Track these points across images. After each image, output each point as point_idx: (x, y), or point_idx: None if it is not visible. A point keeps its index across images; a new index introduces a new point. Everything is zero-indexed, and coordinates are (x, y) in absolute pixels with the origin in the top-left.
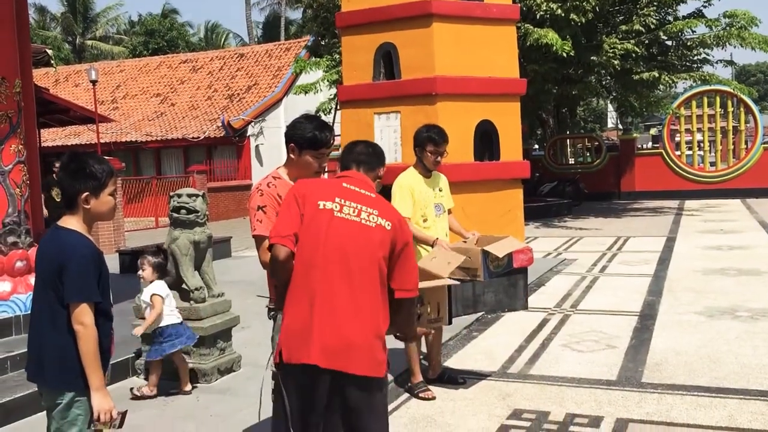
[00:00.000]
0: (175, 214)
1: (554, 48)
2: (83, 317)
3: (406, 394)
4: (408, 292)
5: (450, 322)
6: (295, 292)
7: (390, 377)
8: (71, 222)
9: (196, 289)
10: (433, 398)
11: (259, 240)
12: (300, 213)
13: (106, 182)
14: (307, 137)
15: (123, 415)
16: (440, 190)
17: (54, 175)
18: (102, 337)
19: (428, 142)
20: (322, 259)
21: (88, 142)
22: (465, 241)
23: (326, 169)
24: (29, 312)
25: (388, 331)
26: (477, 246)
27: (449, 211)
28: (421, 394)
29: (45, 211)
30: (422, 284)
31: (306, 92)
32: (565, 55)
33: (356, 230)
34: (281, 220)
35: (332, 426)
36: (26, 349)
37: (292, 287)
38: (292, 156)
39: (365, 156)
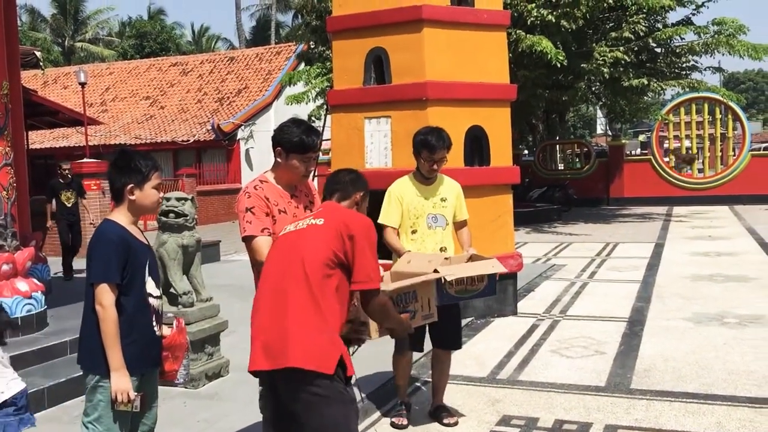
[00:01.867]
0: (163, 218)
1: (549, 57)
2: (102, 298)
3: (377, 413)
4: (359, 284)
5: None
6: (252, 307)
7: (359, 394)
8: (115, 213)
9: (184, 293)
10: (403, 426)
11: (249, 240)
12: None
13: (149, 176)
14: (294, 141)
15: (142, 397)
16: (443, 200)
17: (61, 178)
18: (142, 327)
19: (423, 148)
20: (267, 272)
21: (76, 145)
22: (447, 258)
23: (315, 173)
24: (15, 316)
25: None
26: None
27: (463, 223)
28: (393, 418)
29: (48, 220)
30: (413, 279)
31: (299, 102)
32: (558, 64)
33: (294, 237)
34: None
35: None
36: (16, 353)
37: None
38: (279, 160)
39: (341, 185)
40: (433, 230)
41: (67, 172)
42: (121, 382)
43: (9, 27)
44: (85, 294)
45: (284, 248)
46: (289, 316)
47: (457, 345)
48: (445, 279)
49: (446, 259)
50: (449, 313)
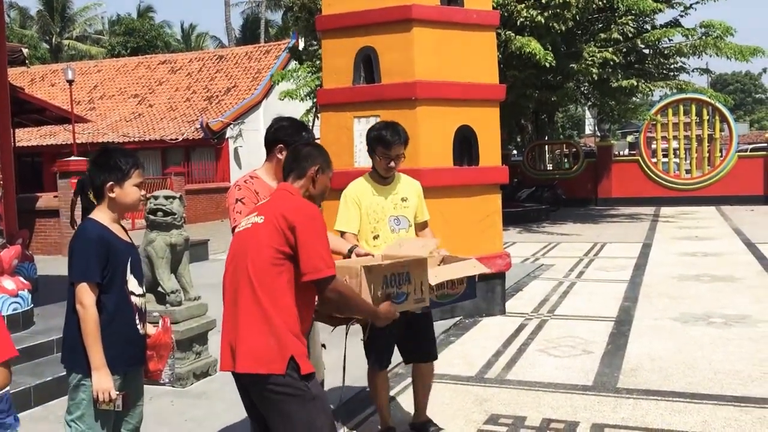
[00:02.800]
0: (151, 216)
1: (537, 58)
2: (82, 297)
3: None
4: (306, 275)
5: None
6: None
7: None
8: (96, 212)
9: (172, 292)
10: None
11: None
12: None
13: (130, 173)
14: (284, 137)
15: (124, 397)
16: (404, 200)
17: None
18: (123, 326)
19: (378, 144)
20: (224, 272)
21: (63, 143)
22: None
23: None
24: (1, 314)
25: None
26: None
27: (425, 224)
28: None
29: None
30: (405, 259)
31: (292, 97)
32: (547, 65)
33: (242, 236)
34: None
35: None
36: None
37: None
38: (279, 156)
39: (295, 163)
40: (396, 233)
41: None
42: (103, 382)
43: None
44: (67, 293)
45: (236, 248)
46: (238, 320)
47: (435, 355)
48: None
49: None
50: (422, 324)
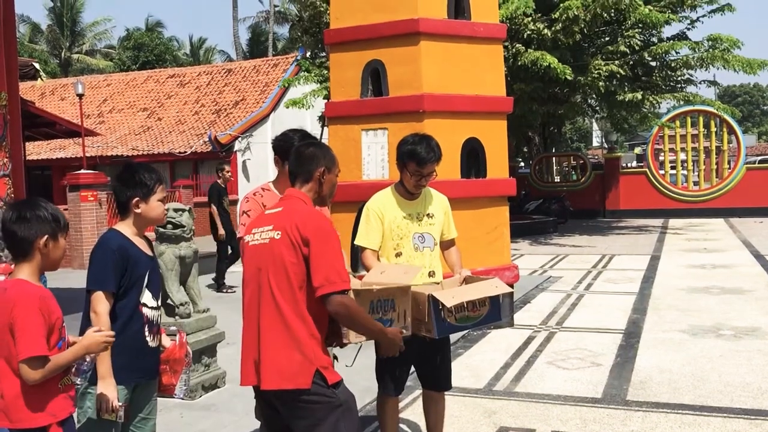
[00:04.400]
0: (160, 229)
1: (556, 72)
2: (96, 305)
3: None
4: (319, 288)
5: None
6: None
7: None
8: (121, 225)
9: (181, 304)
10: None
11: (240, 243)
12: None
13: (154, 189)
14: (287, 148)
15: (126, 408)
16: (430, 216)
17: (220, 180)
18: (133, 337)
19: (410, 159)
20: (244, 286)
21: (73, 156)
22: (438, 283)
23: None
24: None
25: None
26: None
27: (452, 242)
28: None
29: (220, 228)
30: (395, 282)
31: (299, 106)
32: (564, 79)
33: (259, 251)
34: None
35: None
36: None
37: None
38: (278, 168)
39: (292, 168)
40: (420, 252)
41: (229, 175)
42: (107, 391)
43: (8, 39)
44: (85, 300)
45: (254, 263)
46: (262, 336)
47: (449, 386)
48: (443, 306)
49: (437, 284)
50: (440, 350)
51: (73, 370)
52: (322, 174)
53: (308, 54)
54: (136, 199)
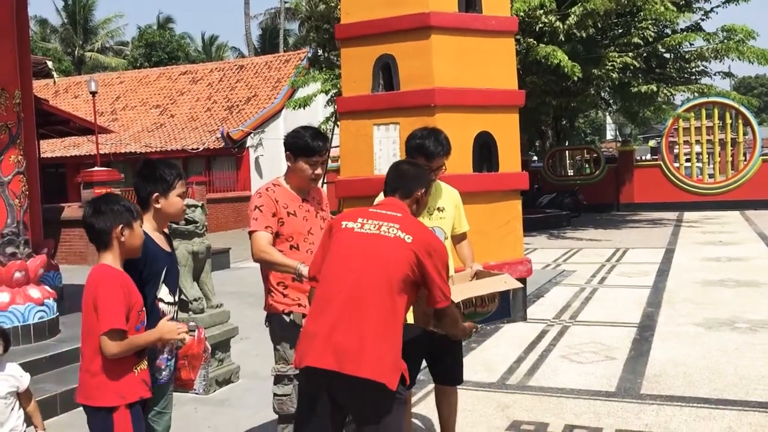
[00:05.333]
0: (174, 225)
1: (565, 70)
2: None
3: None
4: (438, 302)
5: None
6: (316, 301)
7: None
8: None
9: (195, 299)
10: None
11: (252, 236)
12: (326, 247)
13: (174, 184)
14: (300, 145)
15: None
16: (440, 210)
17: None
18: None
19: (419, 154)
20: (339, 269)
21: (87, 153)
22: (450, 276)
23: (324, 180)
24: (27, 323)
25: (435, 326)
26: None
27: (463, 236)
28: None
29: None
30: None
31: (304, 107)
32: (576, 78)
33: (373, 241)
34: (314, 258)
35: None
36: (29, 359)
37: (315, 297)
38: (288, 164)
39: (403, 182)
40: None
41: None
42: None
43: (21, 37)
44: None
45: (363, 250)
46: (367, 326)
47: (460, 380)
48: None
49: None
50: (452, 344)
51: (158, 360)
52: (421, 195)
53: (319, 52)
54: (156, 194)
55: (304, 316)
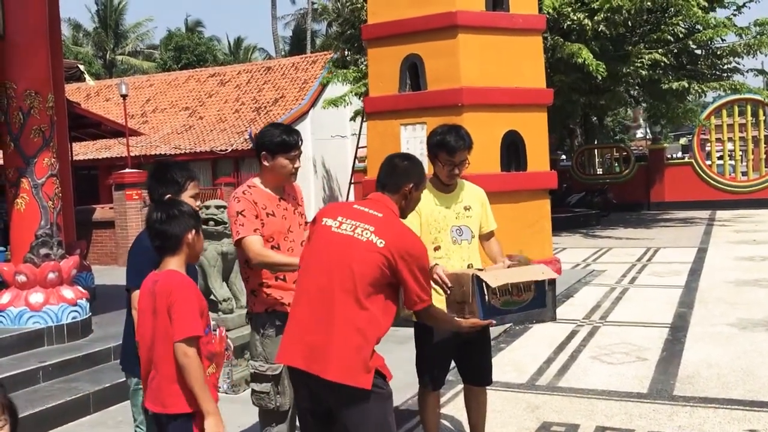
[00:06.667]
0: (203, 226)
1: (590, 68)
2: (135, 302)
3: None
4: (412, 305)
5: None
6: (294, 300)
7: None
8: None
9: (224, 300)
10: None
11: (243, 242)
12: (309, 237)
13: (186, 186)
14: (276, 141)
15: None
16: (467, 209)
17: None
18: None
19: (440, 149)
20: (314, 267)
21: (118, 156)
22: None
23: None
24: (61, 323)
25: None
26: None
27: (491, 234)
28: None
29: None
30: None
31: (336, 106)
32: (600, 77)
33: (345, 243)
34: (303, 248)
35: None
36: (62, 359)
37: (294, 295)
38: (265, 163)
39: (382, 176)
40: (458, 245)
41: None
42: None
43: (54, 42)
44: (126, 300)
45: (334, 248)
46: (334, 327)
47: (489, 380)
48: (488, 286)
49: (480, 270)
50: (481, 344)
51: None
52: (410, 191)
53: (345, 53)
54: (168, 195)
55: (285, 316)
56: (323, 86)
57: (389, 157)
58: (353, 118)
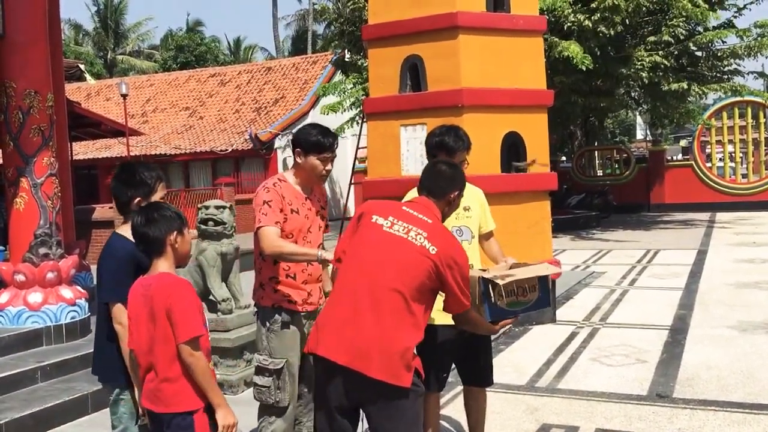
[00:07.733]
0: (202, 226)
1: (575, 61)
2: (119, 317)
3: None
4: (453, 310)
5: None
6: (335, 289)
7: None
8: (123, 227)
9: (223, 300)
10: None
11: (260, 231)
12: (354, 231)
13: (155, 187)
14: (311, 141)
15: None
16: (466, 209)
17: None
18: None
19: (439, 150)
20: (363, 263)
21: (118, 155)
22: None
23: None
24: (60, 323)
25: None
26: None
27: (490, 234)
28: None
29: None
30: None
31: (335, 111)
32: (584, 68)
33: (399, 245)
34: (340, 240)
35: (346, 424)
36: (61, 359)
37: (335, 288)
38: (298, 160)
39: (428, 182)
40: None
41: None
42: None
43: (54, 41)
44: (97, 309)
45: (385, 247)
46: (383, 327)
47: (490, 381)
48: (495, 286)
49: (483, 270)
50: (481, 346)
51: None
52: (454, 198)
53: (346, 54)
54: (138, 198)
55: (291, 313)
56: (317, 98)
57: (433, 163)
58: (350, 123)
